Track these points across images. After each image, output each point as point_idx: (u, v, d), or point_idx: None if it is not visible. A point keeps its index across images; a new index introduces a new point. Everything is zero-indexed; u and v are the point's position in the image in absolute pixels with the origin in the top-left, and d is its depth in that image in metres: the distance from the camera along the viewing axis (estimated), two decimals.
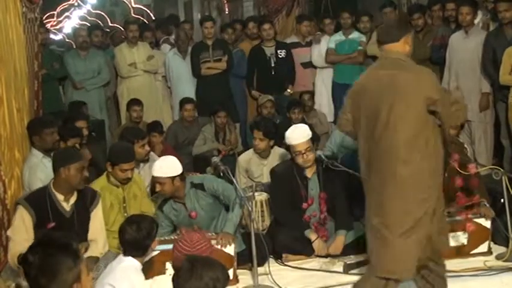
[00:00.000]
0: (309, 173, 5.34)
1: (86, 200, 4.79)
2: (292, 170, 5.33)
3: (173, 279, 3.22)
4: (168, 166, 4.93)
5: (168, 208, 5.13)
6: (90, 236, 4.78)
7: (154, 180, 5.03)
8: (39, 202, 4.61)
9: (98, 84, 8.55)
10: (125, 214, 5.07)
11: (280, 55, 8.58)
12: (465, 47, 7.24)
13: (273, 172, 5.48)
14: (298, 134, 5.27)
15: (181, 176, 4.99)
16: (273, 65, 8.54)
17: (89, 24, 15.18)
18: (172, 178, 4.91)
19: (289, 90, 8.60)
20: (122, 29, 10.94)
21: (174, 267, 3.92)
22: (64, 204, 4.67)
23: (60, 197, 4.66)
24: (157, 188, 4.98)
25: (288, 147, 5.43)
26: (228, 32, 8.99)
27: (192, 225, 5.00)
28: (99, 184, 5.13)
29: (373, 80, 4.17)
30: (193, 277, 3.14)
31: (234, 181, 4.95)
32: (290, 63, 8.66)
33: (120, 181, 5.13)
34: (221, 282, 3.21)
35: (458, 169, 5.09)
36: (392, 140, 3.99)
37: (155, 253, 4.47)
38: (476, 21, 7.51)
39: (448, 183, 5.22)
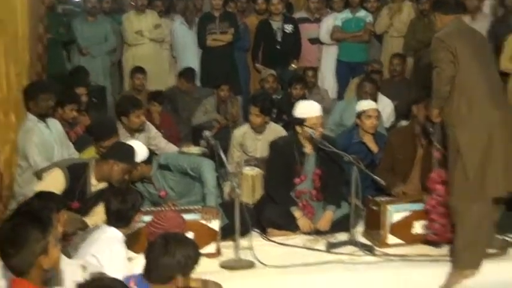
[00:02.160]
0: (308, 149, 5.40)
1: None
2: (292, 144, 5.39)
3: (146, 254, 3.31)
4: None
5: (140, 188, 5.21)
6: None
7: None
8: (76, 175, 4.65)
9: (104, 50, 8.63)
10: None
11: (287, 30, 8.58)
12: None
13: (273, 143, 5.53)
14: (315, 107, 5.35)
15: (147, 161, 5.05)
16: (279, 39, 8.56)
17: None
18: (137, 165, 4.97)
19: (293, 65, 8.62)
20: None
21: (148, 242, 4.01)
22: (92, 188, 4.72)
23: (93, 181, 4.72)
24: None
25: (297, 121, 5.39)
26: (230, 6, 9.00)
27: (166, 202, 5.11)
28: (89, 154, 5.21)
29: None
30: (166, 254, 3.25)
31: (222, 156, 4.99)
32: (296, 38, 8.66)
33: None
34: (193, 259, 3.31)
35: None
36: None
37: (142, 225, 4.55)
38: (484, 7, 7.49)
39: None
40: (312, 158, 5.40)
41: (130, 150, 4.80)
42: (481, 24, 7.12)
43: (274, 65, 8.37)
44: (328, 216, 5.30)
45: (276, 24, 8.57)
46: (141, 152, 4.97)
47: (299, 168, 5.37)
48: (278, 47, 8.56)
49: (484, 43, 4.89)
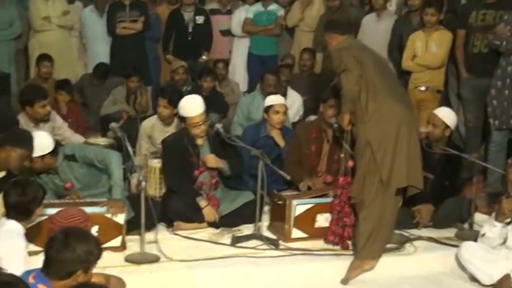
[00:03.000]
0: (200, 141, 5.44)
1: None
2: (183, 139, 5.41)
3: (45, 250, 3.25)
4: (37, 145, 4.79)
5: (45, 179, 5.11)
6: None
7: None
8: None
9: (8, 37, 8.33)
10: None
11: (198, 21, 8.57)
12: (376, 30, 7.41)
13: (164, 141, 5.54)
14: (194, 106, 5.35)
15: (52, 152, 4.95)
16: (190, 30, 8.53)
17: None
18: (42, 157, 4.87)
19: (204, 57, 8.62)
20: None
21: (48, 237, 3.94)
22: None
23: None
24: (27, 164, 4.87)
25: (181, 119, 5.47)
26: None
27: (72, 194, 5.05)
28: None
29: None
30: (66, 249, 3.18)
31: (129, 148, 4.95)
32: (208, 29, 8.67)
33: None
34: (94, 255, 3.25)
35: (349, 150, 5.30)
36: None
37: (43, 218, 4.47)
38: (390, 6, 7.69)
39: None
40: (205, 148, 5.46)
41: (28, 136, 4.70)
42: (386, 23, 7.31)
43: (185, 56, 8.35)
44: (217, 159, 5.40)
45: (187, 15, 8.54)
46: (46, 142, 4.87)
47: (195, 160, 5.41)
48: (189, 38, 8.53)
49: (378, 55, 5.14)
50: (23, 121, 5.74)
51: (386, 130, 4.59)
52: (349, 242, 4.93)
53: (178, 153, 5.38)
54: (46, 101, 5.81)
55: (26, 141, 4.63)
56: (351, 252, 4.88)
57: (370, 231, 4.65)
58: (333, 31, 4.96)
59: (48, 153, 4.91)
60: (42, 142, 4.83)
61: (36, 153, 4.79)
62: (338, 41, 4.90)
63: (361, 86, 4.61)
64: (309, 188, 5.50)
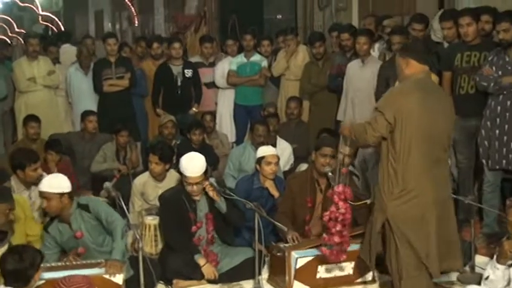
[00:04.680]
0: (197, 196, 5.40)
1: None
2: (180, 194, 5.38)
3: None
4: (57, 182, 4.95)
5: (53, 229, 5.10)
6: None
7: (41, 196, 5.01)
8: None
9: None
10: None
11: (187, 74, 8.59)
12: (361, 76, 7.44)
13: (161, 197, 5.51)
14: (193, 167, 5.30)
15: (70, 195, 4.99)
16: (179, 84, 8.54)
17: None
18: (61, 195, 4.91)
19: (194, 109, 8.63)
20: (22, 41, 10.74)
21: None
22: None
23: None
24: (44, 204, 4.99)
25: (180, 173, 5.44)
26: (125, 51, 8.95)
27: (78, 246, 5.03)
28: None
29: None
30: None
31: (124, 208, 4.91)
32: (197, 82, 8.69)
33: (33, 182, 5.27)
34: None
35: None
36: None
37: (41, 282, 4.39)
38: (374, 52, 7.76)
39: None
40: (202, 203, 5.42)
41: (7, 190, 4.89)
42: (371, 68, 7.35)
43: (174, 110, 8.36)
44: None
45: (175, 68, 8.55)
46: (65, 183, 4.99)
47: (192, 215, 5.38)
48: (178, 92, 8.54)
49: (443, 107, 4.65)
50: (14, 184, 5.72)
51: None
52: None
53: (175, 208, 5.34)
54: (37, 164, 5.79)
55: (6, 195, 4.74)
56: None
57: None
58: (412, 57, 4.55)
59: (66, 193, 4.91)
60: (61, 181, 4.95)
61: (56, 190, 4.87)
62: (415, 69, 4.51)
63: (388, 148, 4.43)
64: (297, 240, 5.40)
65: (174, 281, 5.22)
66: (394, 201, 4.38)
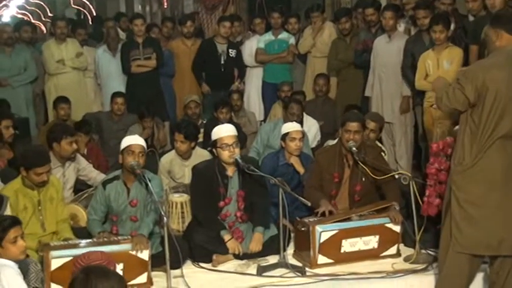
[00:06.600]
0: (231, 171, 5.41)
1: None
2: (213, 167, 5.38)
3: None
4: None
5: (112, 187, 5.20)
6: None
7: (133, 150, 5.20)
8: None
9: (24, 81, 8.52)
10: (40, 217, 5.08)
11: (231, 54, 8.66)
12: (388, 51, 7.42)
13: (194, 168, 5.53)
14: (227, 127, 5.42)
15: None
16: (222, 62, 8.61)
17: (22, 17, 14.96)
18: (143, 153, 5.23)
19: (237, 83, 8.70)
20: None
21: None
22: None
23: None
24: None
25: (213, 145, 5.43)
26: (154, 31, 9.00)
27: (126, 213, 5.14)
28: (13, 187, 5.07)
29: None
30: (87, 287, 3.16)
31: (150, 185, 4.96)
32: (239, 62, 8.78)
33: (36, 184, 5.10)
34: None
35: (371, 174, 5.31)
36: None
37: (68, 259, 4.49)
38: (399, 27, 7.71)
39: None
40: (235, 179, 5.41)
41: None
42: (398, 43, 7.32)
43: (217, 86, 8.49)
44: (257, 237, 5.32)
45: (220, 46, 8.63)
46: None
47: (223, 190, 5.38)
48: (222, 69, 8.62)
49: None
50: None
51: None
52: None
53: (207, 180, 5.37)
54: (72, 138, 5.92)
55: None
56: (379, 275, 4.86)
57: None
58: (504, 29, 4.21)
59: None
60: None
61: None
62: (507, 41, 4.21)
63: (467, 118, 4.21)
64: (330, 213, 5.42)
65: (214, 256, 5.21)
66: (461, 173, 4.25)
